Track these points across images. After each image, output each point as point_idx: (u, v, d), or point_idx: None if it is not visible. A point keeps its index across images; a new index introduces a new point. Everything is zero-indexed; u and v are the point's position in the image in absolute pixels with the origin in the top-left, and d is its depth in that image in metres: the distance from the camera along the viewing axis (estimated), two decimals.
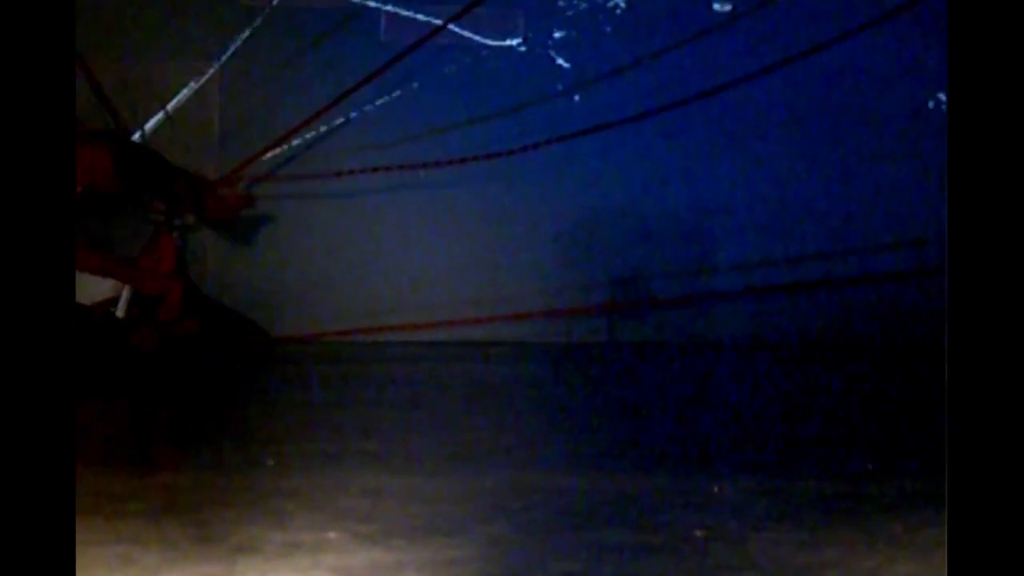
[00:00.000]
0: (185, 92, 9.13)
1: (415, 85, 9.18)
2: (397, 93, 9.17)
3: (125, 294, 8.17)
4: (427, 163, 9.18)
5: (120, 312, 8.12)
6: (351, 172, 9.21)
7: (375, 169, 9.18)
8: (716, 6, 9.18)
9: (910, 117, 9.20)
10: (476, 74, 9.24)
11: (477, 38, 9.23)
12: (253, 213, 9.20)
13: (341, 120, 9.27)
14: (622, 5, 9.18)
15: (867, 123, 9.28)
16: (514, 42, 9.26)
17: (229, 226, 9.15)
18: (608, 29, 9.24)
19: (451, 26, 9.11)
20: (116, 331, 7.95)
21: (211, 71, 9.16)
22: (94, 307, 8.09)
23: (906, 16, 8.88)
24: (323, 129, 9.30)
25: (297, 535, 3.56)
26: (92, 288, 8.09)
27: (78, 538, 2.98)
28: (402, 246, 9.35)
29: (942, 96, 9.04)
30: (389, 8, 9.24)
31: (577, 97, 9.22)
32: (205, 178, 8.91)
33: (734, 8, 9.17)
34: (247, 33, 9.17)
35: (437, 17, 9.10)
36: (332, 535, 3.57)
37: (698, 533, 3.62)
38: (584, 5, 9.20)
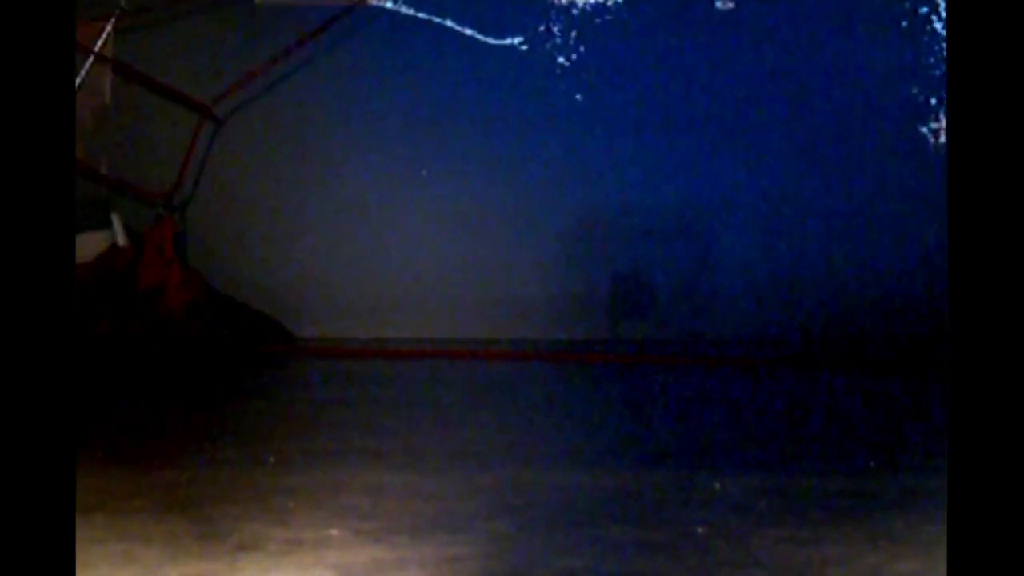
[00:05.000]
0: None
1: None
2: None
3: (116, 222, 8.26)
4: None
5: (120, 241, 8.27)
6: None
7: None
8: (718, 3, 9.17)
9: (912, 114, 9.18)
10: (477, 72, 9.21)
11: (480, 36, 9.22)
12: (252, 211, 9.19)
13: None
14: (622, 2, 9.16)
15: (869, 120, 9.25)
16: (515, 40, 9.25)
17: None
18: (609, 27, 9.23)
19: (453, 24, 9.10)
20: (119, 275, 8.10)
21: None
22: (94, 260, 8.18)
23: (907, 14, 8.87)
24: None
25: (299, 532, 3.56)
26: (87, 247, 8.18)
27: (80, 535, 2.98)
28: (403, 244, 9.33)
29: (943, 93, 9.02)
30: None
31: (579, 96, 9.20)
32: None
33: (736, 5, 9.16)
34: None
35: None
36: (334, 532, 3.57)
37: (700, 530, 3.62)
38: (585, 3, 9.19)
